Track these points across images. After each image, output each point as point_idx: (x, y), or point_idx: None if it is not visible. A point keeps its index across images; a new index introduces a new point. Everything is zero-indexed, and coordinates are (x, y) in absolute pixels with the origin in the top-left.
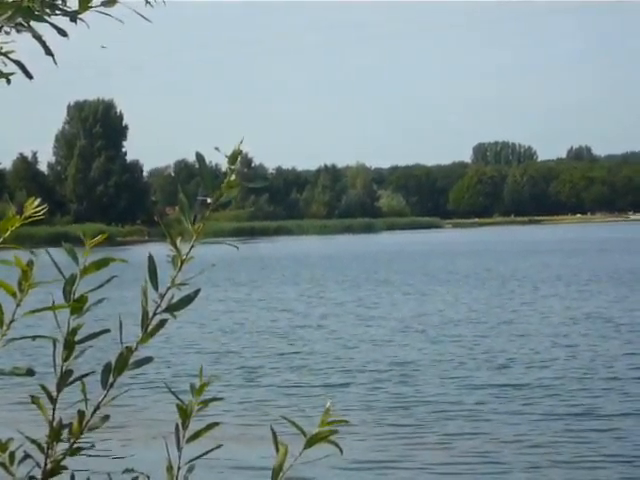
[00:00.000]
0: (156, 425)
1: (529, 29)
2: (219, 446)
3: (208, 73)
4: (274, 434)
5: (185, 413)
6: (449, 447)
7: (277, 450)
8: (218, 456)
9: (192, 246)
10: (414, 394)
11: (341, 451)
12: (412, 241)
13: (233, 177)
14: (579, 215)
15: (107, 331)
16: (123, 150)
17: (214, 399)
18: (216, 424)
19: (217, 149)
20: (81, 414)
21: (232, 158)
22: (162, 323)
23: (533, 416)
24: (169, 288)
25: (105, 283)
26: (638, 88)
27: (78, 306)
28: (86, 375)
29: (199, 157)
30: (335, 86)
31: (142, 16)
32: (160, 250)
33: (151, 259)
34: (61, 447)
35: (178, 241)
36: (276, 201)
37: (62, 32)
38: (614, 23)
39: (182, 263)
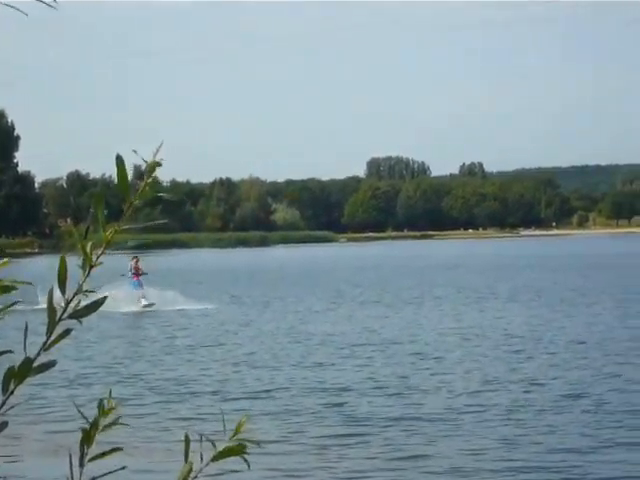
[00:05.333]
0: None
1: (421, 43)
2: (123, 467)
3: (108, 83)
4: (187, 443)
5: (88, 436)
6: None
7: (185, 460)
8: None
9: (102, 252)
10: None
11: (249, 466)
12: (306, 255)
13: (148, 186)
14: (471, 230)
15: (9, 351)
16: (15, 161)
17: (120, 423)
18: (119, 449)
19: (135, 152)
20: None
21: (151, 167)
22: (68, 331)
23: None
24: (76, 294)
25: (7, 308)
26: (530, 106)
27: None
28: None
29: (119, 160)
30: (232, 99)
31: (20, 10)
32: (53, 262)
33: (62, 263)
34: None
35: (88, 246)
36: (170, 213)
37: None
38: (510, 40)
39: (90, 268)
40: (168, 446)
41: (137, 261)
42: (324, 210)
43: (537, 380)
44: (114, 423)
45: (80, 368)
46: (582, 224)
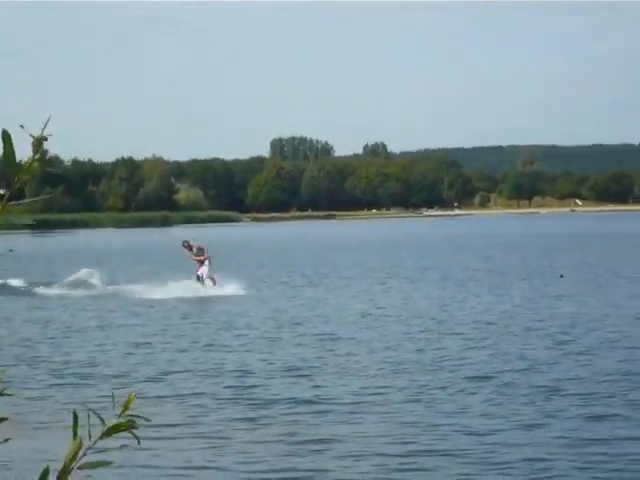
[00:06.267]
0: None
1: (328, 23)
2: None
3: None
4: (75, 420)
5: None
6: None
7: (74, 436)
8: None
9: None
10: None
11: (138, 441)
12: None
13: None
14: (374, 210)
15: None
16: None
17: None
18: (4, 419)
19: (22, 127)
20: None
21: (37, 142)
22: None
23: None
24: None
25: None
26: (432, 87)
27: None
28: None
29: (5, 135)
30: (137, 83)
31: None
32: None
33: None
34: None
35: None
36: (72, 193)
37: None
38: (418, 22)
39: None
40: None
41: (190, 247)
42: (228, 190)
43: (444, 361)
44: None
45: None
46: (484, 204)
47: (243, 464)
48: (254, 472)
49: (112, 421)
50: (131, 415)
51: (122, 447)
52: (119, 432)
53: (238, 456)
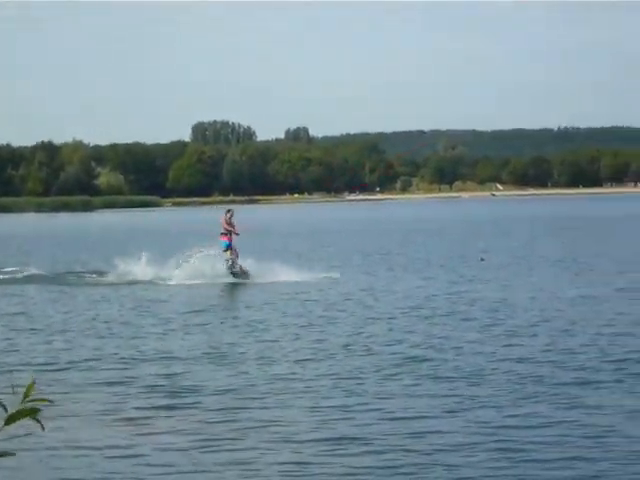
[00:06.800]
0: None
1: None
2: None
3: None
4: None
5: None
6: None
7: None
8: None
9: None
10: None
11: (43, 428)
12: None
13: None
14: (297, 195)
15: None
16: None
17: None
18: None
19: None
20: None
21: None
22: None
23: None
24: None
25: None
26: (353, 72)
27: None
28: None
29: None
30: (54, 66)
31: None
32: None
33: None
34: None
35: None
36: None
37: None
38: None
39: None
40: None
41: (231, 216)
42: (149, 175)
43: (368, 346)
44: None
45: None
46: (406, 189)
47: (161, 452)
48: (172, 462)
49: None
50: (32, 400)
51: (27, 435)
52: (21, 419)
53: (156, 444)
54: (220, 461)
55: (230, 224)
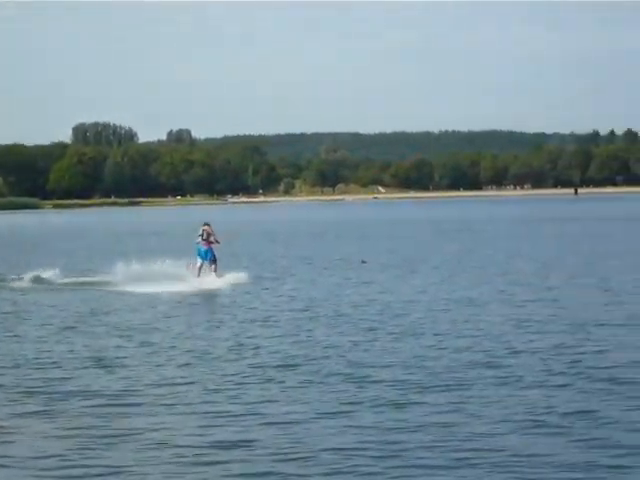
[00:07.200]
0: None
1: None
2: None
3: None
4: None
5: None
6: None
7: None
8: None
9: None
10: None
11: None
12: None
13: None
14: (179, 197)
15: None
16: None
17: None
18: None
19: None
20: None
21: None
22: None
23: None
24: None
25: None
26: (237, 74)
27: None
28: None
29: None
30: None
31: None
32: None
33: None
34: None
35: None
36: None
37: None
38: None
39: None
40: None
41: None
42: (29, 176)
43: (249, 350)
44: None
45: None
46: (288, 191)
47: (34, 459)
48: (46, 467)
49: None
50: None
51: None
52: None
53: (29, 450)
54: (95, 467)
55: (209, 234)
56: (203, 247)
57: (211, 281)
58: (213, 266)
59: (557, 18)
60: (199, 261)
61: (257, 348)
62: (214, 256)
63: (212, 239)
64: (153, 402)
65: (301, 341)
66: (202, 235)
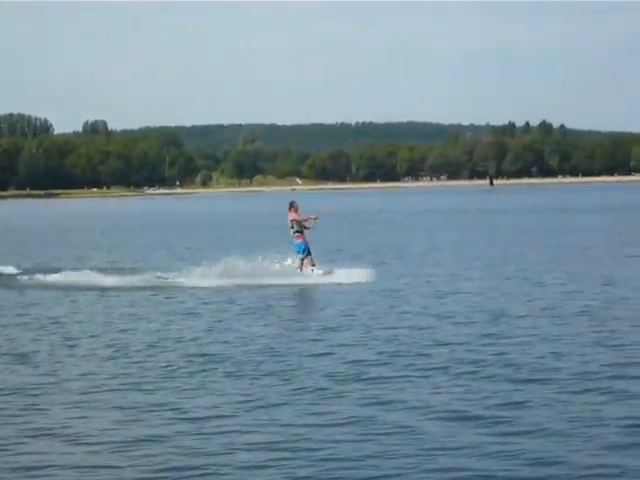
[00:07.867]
0: None
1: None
2: None
3: None
4: None
5: None
6: None
7: None
8: None
9: None
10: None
11: None
12: None
13: None
14: (95, 189)
15: None
16: None
17: None
18: None
19: None
20: None
21: None
22: None
23: None
24: None
25: None
26: (154, 66)
27: None
28: None
29: None
30: None
31: None
32: None
33: None
34: None
35: None
36: None
37: None
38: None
39: None
40: None
41: (296, 210)
42: None
43: (173, 342)
44: None
45: None
46: (206, 183)
47: None
48: None
49: None
50: None
51: None
52: None
53: None
54: (8, 464)
55: (299, 220)
56: (296, 241)
57: (313, 275)
58: (306, 259)
59: (461, 13)
60: (299, 256)
61: (174, 343)
62: (306, 248)
63: (305, 224)
64: (68, 397)
65: (221, 335)
66: (292, 227)
